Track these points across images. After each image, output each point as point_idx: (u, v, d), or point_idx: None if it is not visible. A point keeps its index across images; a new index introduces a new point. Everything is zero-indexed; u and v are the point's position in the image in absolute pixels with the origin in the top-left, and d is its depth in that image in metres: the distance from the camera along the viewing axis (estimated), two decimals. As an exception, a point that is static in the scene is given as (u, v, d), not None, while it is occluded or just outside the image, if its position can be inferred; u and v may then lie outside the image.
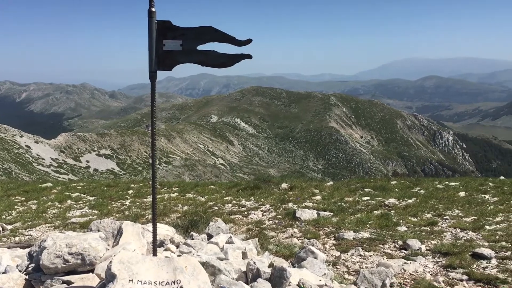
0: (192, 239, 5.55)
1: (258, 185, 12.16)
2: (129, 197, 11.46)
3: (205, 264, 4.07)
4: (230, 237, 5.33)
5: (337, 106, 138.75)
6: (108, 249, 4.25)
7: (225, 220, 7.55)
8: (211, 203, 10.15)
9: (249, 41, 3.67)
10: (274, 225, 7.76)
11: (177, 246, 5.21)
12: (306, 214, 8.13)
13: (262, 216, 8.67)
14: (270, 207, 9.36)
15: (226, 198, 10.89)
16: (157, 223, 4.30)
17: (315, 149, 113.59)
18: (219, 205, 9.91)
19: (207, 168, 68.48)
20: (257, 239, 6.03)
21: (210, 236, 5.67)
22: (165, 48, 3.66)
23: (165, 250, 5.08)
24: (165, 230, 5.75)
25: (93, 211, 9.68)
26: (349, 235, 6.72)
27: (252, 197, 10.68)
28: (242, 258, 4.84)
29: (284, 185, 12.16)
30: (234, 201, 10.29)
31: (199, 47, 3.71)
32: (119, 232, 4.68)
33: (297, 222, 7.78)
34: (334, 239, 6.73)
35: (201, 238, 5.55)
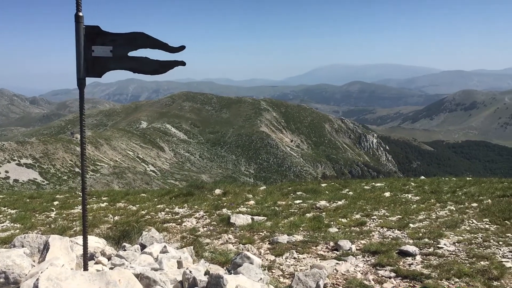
0: (125, 250, 5.37)
1: (191, 191, 12.04)
2: (54, 209, 10.88)
3: (139, 276, 3.96)
4: (165, 246, 5.22)
5: (268, 111, 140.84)
6: (34, 266, 4.02)
7: (158, 229, 7.40)
8: (143, 212, 9.90)
9: (182, 48, 3.64)
10: (209, 232, 7.71)
11: (109, 259, 5.02)
12: (241, 219, 8.15)
13: (197, 223, 8.59)
14: (204, 214, 9.30)
15: (159, 206, 10.67)
16: (87, 236, 4.12)
17: (247, 154, 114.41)
18: (151, 213, 9.69)
19: (137, 175, 66.75)
20: (192, 247, 5.97)
21: (143, 247, 5.53)
22: (94, 54, 3.53)
23: (96, 263, 4.88)
24: (95, 242, 5.53)
25: (15, 225, 9.09)
26: (283, 238, 6.82)
27: (185, 204, 10.55)
28: (178, 268, 4.77)
29: (217, 191, 12.13)
30: (167, 209, 10.11)
31: (130, 54, 3.62)
32: (46, 247, 4.43)
33: (232, 228, 7.79)
34: (269, 243, 6.80)
35: (134, 249, 5.40)
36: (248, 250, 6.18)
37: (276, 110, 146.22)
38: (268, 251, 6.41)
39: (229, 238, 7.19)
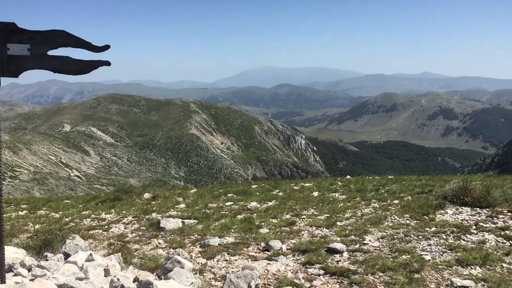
0: (47, 260, 5.08)
1: (119, 196, 11.66)
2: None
3: (63, 287, 3.76)
4: (90, 254, 5.00)
5: (197, 113, 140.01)
6: None
7: (83, 237, 7.08)
8: (67, 219, 9.43)
9: (106, 47, 3.50)
10: (138, 238, 7.50)
11: (29, 270, 4.72)
12: (171, 223, 8.01)
13: (125, 228, 8.32)
14: (133, 219, 9.03)
15: (84, 212, 10.22)
16: (4, 246, 3.85)
17: (177, 157, 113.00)
18: (76, 220, 9.26)
19: (60, 181, 63.66)
20: (120, 253, 5.77)
21: (67, 255, 5.25)
22: (9, 53, 3.30)
23: (15, 275, 4.57)
24: (13, 253, 5.18)
25: None
26: (215, 241, 6.78)
27: (113, 210, 10.20)
28: (105, 276, 4.58)
29: (146, 195, 11.85)
30: (93, 215, 9.71)
31: (51, 52, 3.43)
32: (-44, 261, 4.08)
33: (162, 232, 7.63)
34: (200, 246, 6.74)
35: (57, 259, 5.12)
36: (178, 255, 6.08)
37: (206, 112, 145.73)
38: (200, 255, 6.34)
39: (159, 243, 7.03)
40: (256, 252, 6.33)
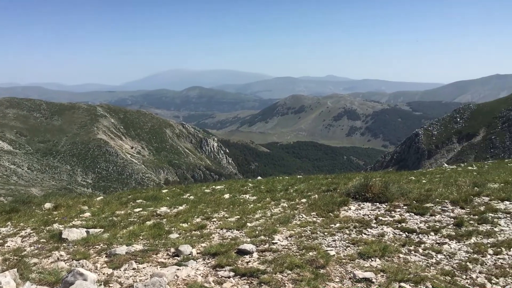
0: None
1: (16, 207, 10.81)
2: None
3: None
4: (-20, 273, 4.58)
5: (105, 117, 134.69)
6: None
7: (-27, 254, 6.46)
8: (-46, 236, 8.55)
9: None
10: (37, 251, 6.99)
11: None
12: (74, 233, 7.57)
13: (22, 242, 7.72)
14: (32, 231, 8.42)
15: (-25, 227, 9.34)
16: None
17: (83, 163, 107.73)
18: (-35, 236, 8.43)
19: (-50, 193, 57.85)
20: (15, 269, 5.33)
21: (-48, 276, 4.76)
22: None
23: None
24: None
25: None
26: (122, 249, 6.52)
27: (9, 222, 9.42)
28: (-3, 295, 4.21)
29: (47, 205, 11.12)
30: (-15, 230, 8.90)
31: None
32: None
33: (64, 244, 7.19)
34: (106, 256, 6.44)
35: None
36: (82, 266, 5.76)
37: (115, 116, 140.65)
38: (105, 265, 6.05)
39: (60, 255, 6.61)
40: (165, 259, 6.19)
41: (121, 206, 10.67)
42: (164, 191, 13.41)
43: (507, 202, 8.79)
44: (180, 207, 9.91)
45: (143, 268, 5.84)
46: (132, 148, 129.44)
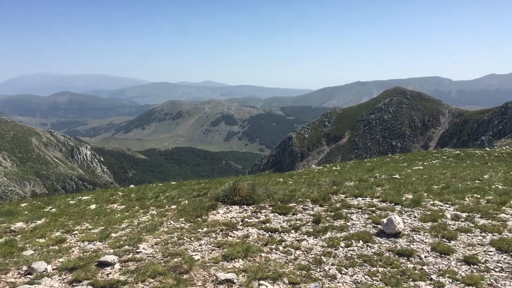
0: None
1: None
2: None
3: None
4: None
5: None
6: None
7: None
8: None
9: None
10: None
11: None
12: None
13: None
14: None
15: None
16: None
17: None
18: None
19: None
20: None
21: None
22: None
23: None
24: None
25: None
26: (-37, 273, 5.84)
27: None
28: None
29: None
30: None
31: None
32: None
33: None
34: None
35: None
36: None
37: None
38: None
39: None
40: (15, 278, 5.68)
41: (-32, 225, 9.55)
42: (23, 204, 12.32)
43: (360, 198, 9.67)
44: (39, 221, 9.16)
45: (-13, 291, 5.30)
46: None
